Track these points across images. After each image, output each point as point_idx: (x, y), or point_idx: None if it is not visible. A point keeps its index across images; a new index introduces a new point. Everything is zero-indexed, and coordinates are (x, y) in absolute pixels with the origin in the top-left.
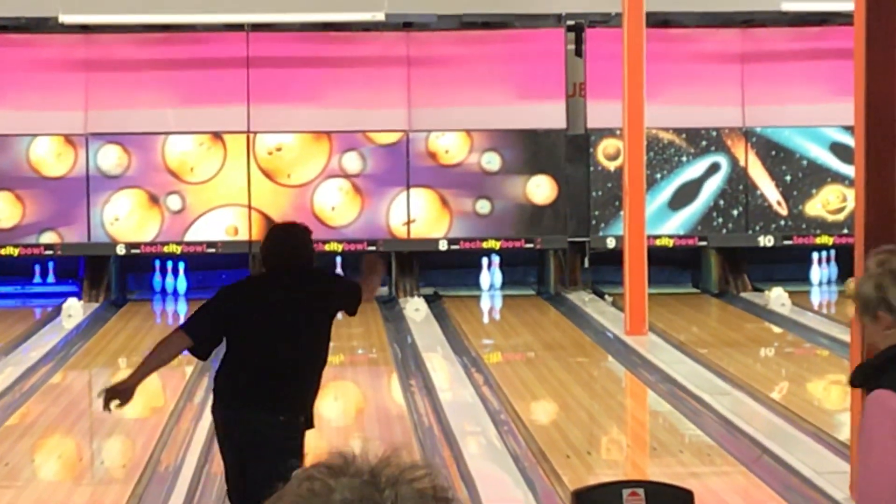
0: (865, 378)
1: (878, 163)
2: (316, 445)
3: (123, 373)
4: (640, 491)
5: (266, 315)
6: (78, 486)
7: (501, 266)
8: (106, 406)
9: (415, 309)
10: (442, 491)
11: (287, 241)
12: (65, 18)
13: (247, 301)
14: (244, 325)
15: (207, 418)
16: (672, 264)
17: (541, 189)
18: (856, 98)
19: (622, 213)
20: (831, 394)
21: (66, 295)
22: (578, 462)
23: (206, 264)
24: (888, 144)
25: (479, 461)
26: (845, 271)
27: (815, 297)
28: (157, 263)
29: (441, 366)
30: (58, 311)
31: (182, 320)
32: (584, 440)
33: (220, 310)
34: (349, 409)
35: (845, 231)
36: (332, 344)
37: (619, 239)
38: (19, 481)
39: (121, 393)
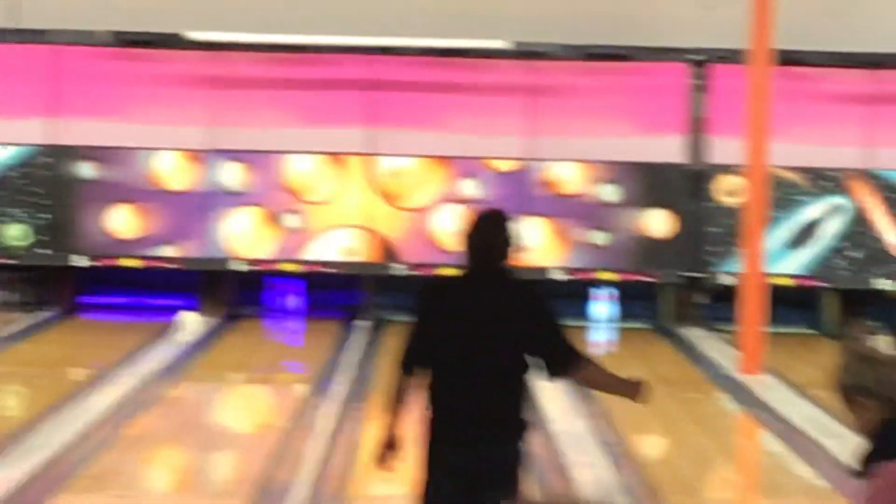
0: (873, 457)
1: None
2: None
3: (238, 388)
4: None
5: (472, 326)
6: (191, 500)
7: (616, 298)
8: (382, 464)
9: None
10: None
11: (486, 230)
12: (193, 36)
13: (449, 312)
14: (449, 340)
15: (321, 437)
16: (787, 304)
17: (659, 223)
18: None
19: (739, 249)
20: None
21: (181, 308)
22: (691, 500)
23: (321, 283)
24: None
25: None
26: None
27: None
28: (273, 281)
29: (552, 395)
30: (174, 324)
31: (296, 339)
32: (696, 478)
33: (422, 331)
34: None
35: None
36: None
37: (735, 276)
38: (134, 492)
39: (389, 446)
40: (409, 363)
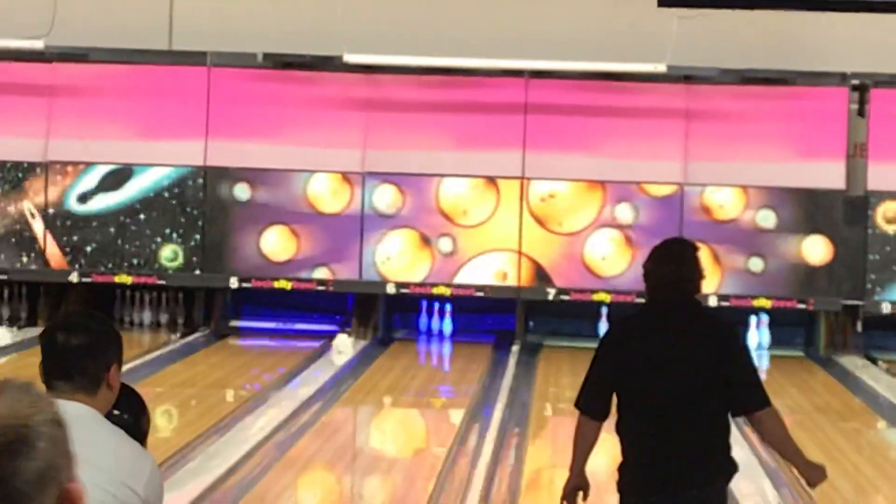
0: None
1: None
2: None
3: (393, 412)
4: None
5: (668, 363)
6: None
7: (770, 325)
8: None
9: None
10: None
11: (677, 260)
12: (349, 58)
13: (631, 350)
14: (643, 378)
15: (482, 463)
16: None
17: (816, 249)
18: None
19: None
20: None
21: (333, 332)
22: None
23: (472, 307)
24: None
25: None
26: None
27: None
28: (424, 304)
29: None
30: (326, 346)
31: (447, 363)
32: None
33: (605, 369)
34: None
35: None
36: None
37: (894, 304)
38: None
39: (576, 488)
40: (589, 402)
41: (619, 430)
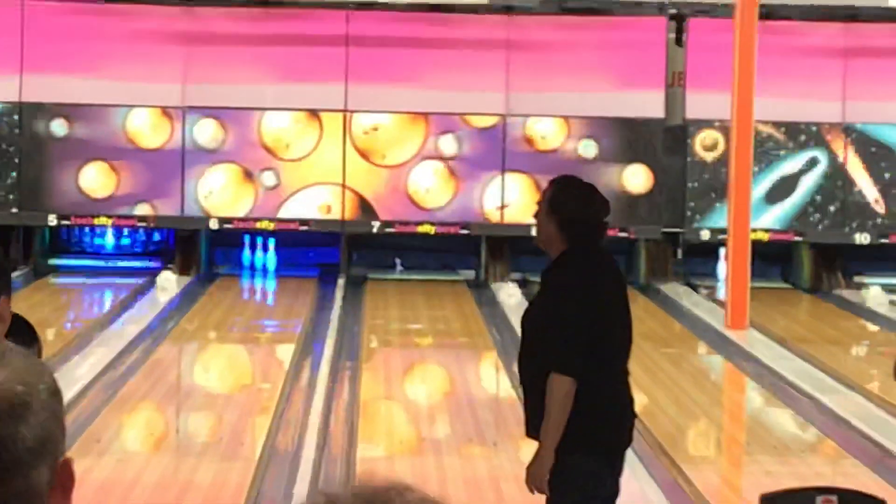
0: None
1: None
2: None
3: (217, 347)
4: (834, 498)
5: (620, 309)
6: (187, 462)
7: None
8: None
9: (509, 294)
10: None
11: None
12: None
13: (605, 300)
14: (613, 332)
15: (317, 397)
16: (761, 258)
17: (636, 178)
18: None
19: (719, 205)
20: None
21: (154, 269)
22: (682, 453)
23: (296, 242)
24: None
25: None
26: None
27: None
28: (248, 239)
29: None
30: (149, 284)
31: (273, 297)
32: (687, 431)
33: (591, 330)
34: (458, 395)
35: None
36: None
37: (713, 231)
38: (114, 455)
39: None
40: (579, 365)
41: (592, 384)
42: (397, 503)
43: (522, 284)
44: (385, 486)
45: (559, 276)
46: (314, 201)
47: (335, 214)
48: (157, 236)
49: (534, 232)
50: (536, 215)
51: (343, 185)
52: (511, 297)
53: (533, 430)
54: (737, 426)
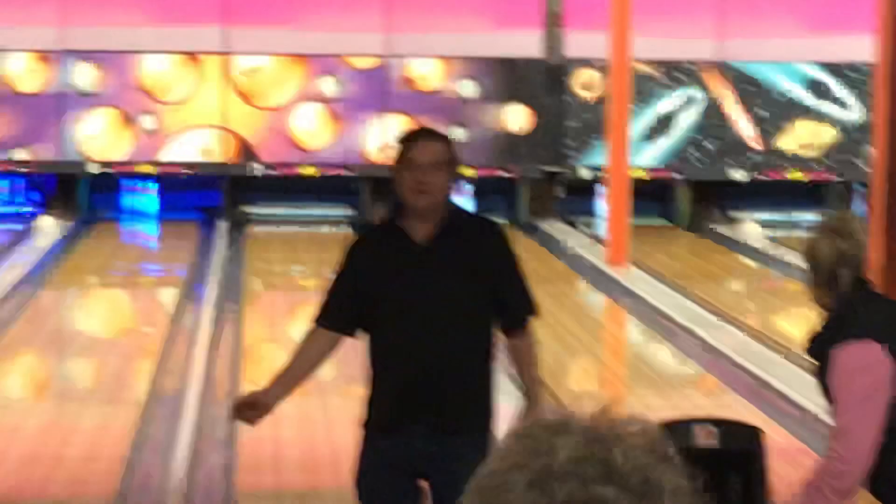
0: (822, 344)
1: None
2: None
3: (98, 292)
4: (711, 427)
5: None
6: (70, 408)
7: (474, 194)
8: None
9: None
10: (663, 446)
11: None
12: None
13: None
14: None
15: (200, 341)
16: (641, 196)
17: (516, 118)
18: (881, 35)
19: (598, 143)
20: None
21: (32, 214)
22: (566, 390)
23: (178, 185)
24: None
25: None
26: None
27: (789, 230)
28: (128, 183)
29: None
30: (28, 229)
31: (155, 242)
32: (571, 368)
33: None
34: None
35: (818, 167)
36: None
37: (593, 169)
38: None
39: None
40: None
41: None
42: (628, 443)
43: None
44: (623, 419)
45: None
46: (195, 144)
47: (216, 157)
48: (36, 181)
49: None
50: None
51: (224, 128)
52: None
53: (478, 428)
54: (618, 362)
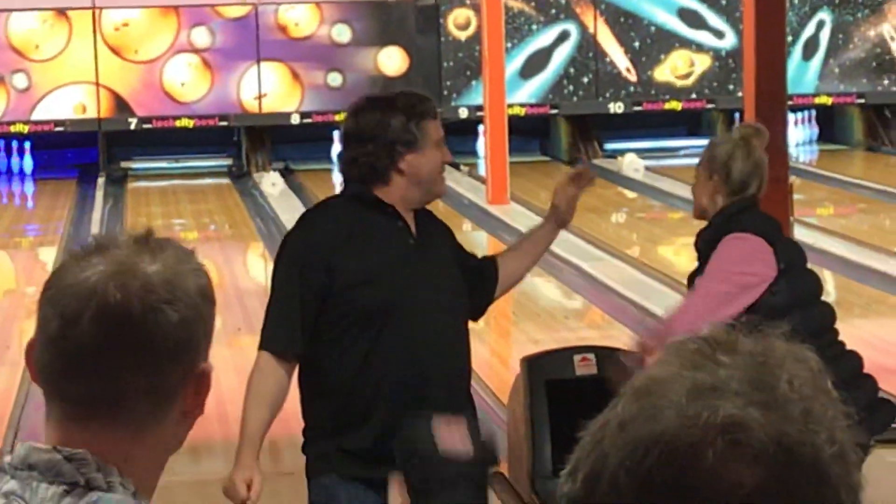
0: (711, 238)
1: (767, 25)
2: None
3: None
4: (591, 356)
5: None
6: None
7: None
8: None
9: (271, 183)
10: (824, 379)
11: None
12: None
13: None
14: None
15: None
16: (520, 133)
17: (392, 60)
18: None
19: (475, 82)
20: (692, 250)
21: None
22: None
23: (53, 143)
24: (777, 6)
25: None
26: (694, 135)
27: (667, 161)
28: (2, 143)
29: None
30: None
31: (32, 201)
32: None
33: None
34: (226, 286)
35: (693, 96)
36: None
37: (470, 109)
38: None
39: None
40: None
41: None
42: (793, 373)
43: (284, 173)
44: (788, 347)
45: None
46: (68, 101)
47: (91, 113)
48: None
49: (294, 120)
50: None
51: (97, 84)
52: (274, 187)
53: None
54: (503, 298)
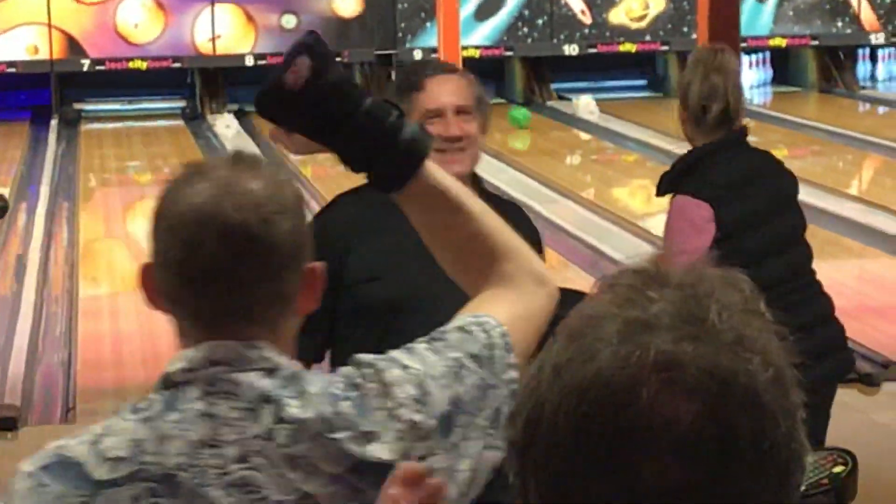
0: (670, 184)
1: None
2: None
3: None
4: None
5: None
6: None
7: None
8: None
9: (225, 126)
10: (756, 302)
11: None
12: None
13: None
14: None
15: (31, 244)
16: (475, 75)
17: (346, 2)
18: None
19: (430, 24)
20: (646, 192)
21: None
22: None
23: (5, 85)
24: None
25: None
26: (648, 77)
27: (622, 102)
28: None
29: None
30: None
31: None
32: None
33: None
34: None
35: (648, 38)
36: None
37: (425, 51)
38: None
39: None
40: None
41: None
42: (723, 301)
43: (239, 115)
44: (716, 272)
45: None
46: (20, 42)
47: (43, 55)
48: None
49: (247, 62)
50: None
51: (49, 25)
52: (228, 129)
53: None
54: None
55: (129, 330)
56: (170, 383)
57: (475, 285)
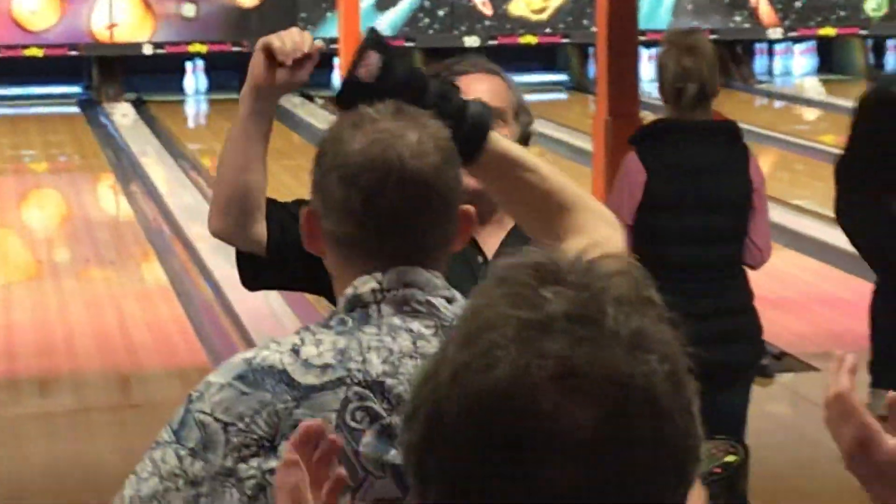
0: (632, 140)
1: None
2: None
3: None
4: None
5: None
6: None
7: (207, 70)
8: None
9: (122, 115)
10: (647, 287)
11: None
12: None
13: None
14: None
15: None
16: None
17: None
18: None
19: (331, 14)
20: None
21: None
22: None
23: None
24: None
25: (212, 257)
26: (549, 70)
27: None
28: None
29: (159, 170)
30: None
31: None
32: None
33: None
34: (75, 218)
35: (548, 30)
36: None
37: (326, 41)
38: None
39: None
40: None
41: None
42: (617, 294)
43: (136, 104)
44: (604, 260)
45: None
46: None
47: None
48: None
49: (145, 51)
50: None
51: None
52: (125, 118)
53: None
54: None
55: (23, 320)
56: (359, 303)
57: (556, 240)
